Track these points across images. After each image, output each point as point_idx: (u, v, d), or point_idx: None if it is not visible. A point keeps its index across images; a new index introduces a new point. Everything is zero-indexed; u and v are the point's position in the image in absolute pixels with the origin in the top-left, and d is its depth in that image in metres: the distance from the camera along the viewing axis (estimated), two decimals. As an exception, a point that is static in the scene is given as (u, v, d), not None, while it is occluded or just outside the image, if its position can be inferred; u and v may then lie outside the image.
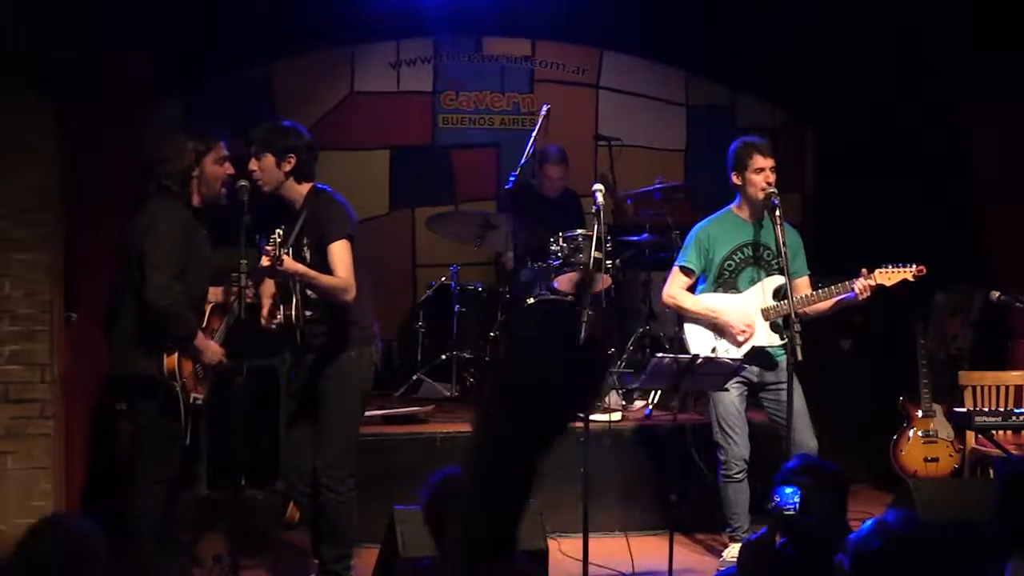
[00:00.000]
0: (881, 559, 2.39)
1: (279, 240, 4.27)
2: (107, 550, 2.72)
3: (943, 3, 6.15)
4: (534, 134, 6.37)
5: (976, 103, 6.03)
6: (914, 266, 4.80)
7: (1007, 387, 5.71)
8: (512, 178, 6.17)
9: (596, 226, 4.74)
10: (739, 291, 4.98)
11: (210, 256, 4.41)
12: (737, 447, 4.94)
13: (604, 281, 5.85)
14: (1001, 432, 5.38)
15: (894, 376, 6.10)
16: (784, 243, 4.73)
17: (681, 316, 5.09)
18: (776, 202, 4.78)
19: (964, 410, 5.41)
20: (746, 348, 4.92)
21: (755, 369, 4.97)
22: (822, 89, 7.19)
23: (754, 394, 5.05)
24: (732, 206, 5.06)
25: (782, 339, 4.89)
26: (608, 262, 5.96)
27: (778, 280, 4.91)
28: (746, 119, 7.81)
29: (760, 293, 4.95)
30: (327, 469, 4.54)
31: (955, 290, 6.55)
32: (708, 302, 4.98)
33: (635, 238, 6.57)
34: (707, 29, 7.20)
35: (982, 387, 5.71)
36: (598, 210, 4.72)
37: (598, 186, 4.76)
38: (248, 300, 4.38)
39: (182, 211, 4.30)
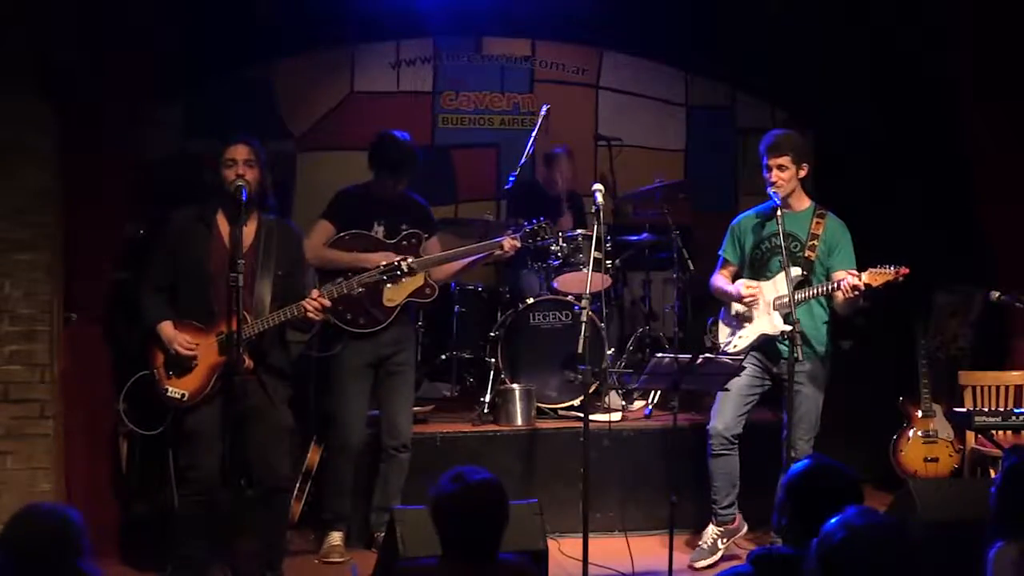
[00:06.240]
0: (845, 551, 2.40)
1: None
2: (85, 539, 2.72)
3: (943, 9, 6.15)
4: (534, 134, 6.37)
5: (977, 104, 6.02)
6: (896, 268, 4.75)
7: (1007, 387, 5.72)
8: (512, 178, 6.18)
9: (596, 226, 4.74)
10: (768, 279, 5.06)
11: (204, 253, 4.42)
12: (721, 422, 5.04)
13: (604, 281, 5.85)
14: (1001, 432, 5.39)
15: (894, 376, 6.10)
16: (813, 236, 4.96)
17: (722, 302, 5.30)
18: (775, 200, 4.91)
19: (964, 410, 5.41)
20: (753, 334, 5.02)
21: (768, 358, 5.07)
22: (822, 89, 7.19)
23: (776, 388, 5.10)
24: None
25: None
26: (608, 262, 5.97)
27: (795, 271, 4.94)
28: (746, 119, 7.82)
29: (778, 283, 4.97)
30: (408, 434, 5.15)
31: (955, 290, 6.54)
32: (732, 284, 5.14)
33: (635, 238, 6.57)
34: (707, 29, 7.19)
35: (982, 387, 5.72)
36: (598, 210, 4.71)
37: (598, 186, 4.75)
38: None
39: (184, 213, 4.44)
